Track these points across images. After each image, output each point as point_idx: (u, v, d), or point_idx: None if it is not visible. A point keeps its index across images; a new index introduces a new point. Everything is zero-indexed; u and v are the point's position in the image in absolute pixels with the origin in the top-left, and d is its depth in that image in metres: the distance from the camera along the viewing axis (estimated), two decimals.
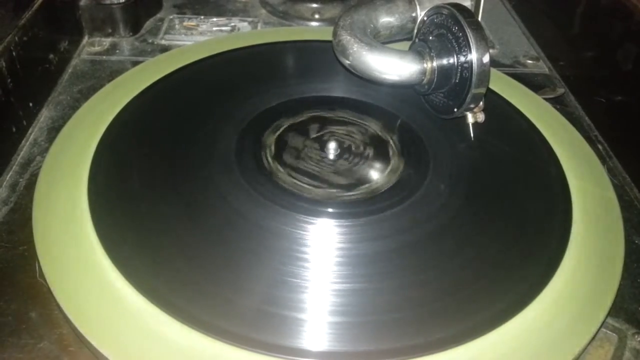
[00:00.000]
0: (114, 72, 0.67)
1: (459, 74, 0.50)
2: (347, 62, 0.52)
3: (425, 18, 0.54)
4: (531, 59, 0.74)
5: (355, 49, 0.51)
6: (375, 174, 0.51)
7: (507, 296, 0.41)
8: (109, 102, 0.56)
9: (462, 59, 0.49)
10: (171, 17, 0.79)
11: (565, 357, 0.38)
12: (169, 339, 0.37)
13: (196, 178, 0.49)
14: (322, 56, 0.61)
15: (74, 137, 0.52)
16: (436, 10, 0.53)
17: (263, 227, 0.45)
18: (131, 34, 0.74)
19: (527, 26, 0.82)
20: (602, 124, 0.63)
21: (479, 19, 0.56)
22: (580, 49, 0.71)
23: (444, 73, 0.51)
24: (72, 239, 0.43)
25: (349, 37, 0.52)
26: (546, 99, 0.64)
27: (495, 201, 0.49)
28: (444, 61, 0.51)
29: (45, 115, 0.60)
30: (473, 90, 0.49)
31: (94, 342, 0.37)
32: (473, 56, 0.48)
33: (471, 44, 0.48)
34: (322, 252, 0.44)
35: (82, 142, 0.51)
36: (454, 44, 0.49)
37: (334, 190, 0.49)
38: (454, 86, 0.51)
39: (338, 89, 0.61)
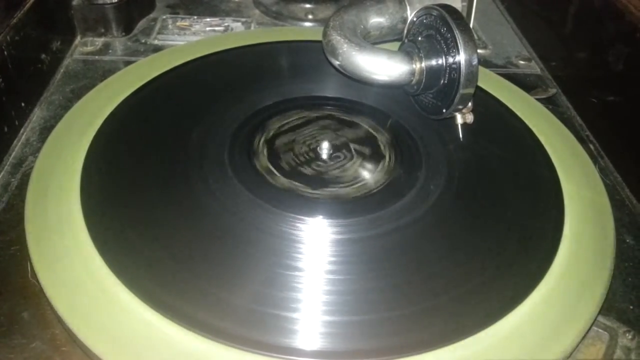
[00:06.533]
0: (107, 72, 0.67)
1: (447, 75, 0.50)
2: (337, 62, 0.52)
3: (415, 19, 0.54)
4: (523, 59, 0.74)
5: (344, 49, 0.51)
6: (368, 174, 0.51)
7: (499, 295, 0.41)
8: (101, 101, 0.56)
9: (451, 60, 0.49)
10: (164, 17, 0.79)
11: (557, 355, 0.38)
12: (162, 338, 0.37)
13: (188, 177, 0.49)
14: (316, 56, 0.61)
15: (66, 137, 0.52)
16: (426, 11, 0.53)
17: (256, 227, 0.45)
18: (124, 33, 0.74)
19: (519, 27, 0.82)
20: (593, 124, 0.64)
21: (472, 19, 0.57)
22: (572, 50, 0.71)
23: (433, 74, 0.51)
24: (64, 239, 0.43)
25: (338, 38, 0.52)
26: (538, 99, 0.64)
27: (487, 201, 0.49)
28: (433, 62, 0.51)
29: (37, 115, 0.60)
30: (461, 91, 0.49)
31: (86, 342, 0.37)
32: (461, 57, 0.48)
33: (459, 45, 0.48)
34: (315, 251, 0.44)
35: (74, 142, 0.51)
36: (443, 45, 0.50)
37: (327, 190, 0.49)
38: (443, 87, 0.51)
39: (331, 89, 0.61)
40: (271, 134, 0.54)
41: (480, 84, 0.53)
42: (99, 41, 0.73)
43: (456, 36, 0.48)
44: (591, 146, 0.61)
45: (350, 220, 0.46)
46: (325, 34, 0.53)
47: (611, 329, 0.43)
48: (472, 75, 0.49)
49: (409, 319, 0.39)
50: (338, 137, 0.54)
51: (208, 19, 0.78)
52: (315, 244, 0.44)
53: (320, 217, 0.46)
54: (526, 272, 0.43)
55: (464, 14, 0.52)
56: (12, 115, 0.57)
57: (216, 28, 0.77)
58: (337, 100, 0.59)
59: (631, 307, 0.45)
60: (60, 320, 0.39)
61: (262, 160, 0.51)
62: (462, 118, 0.53)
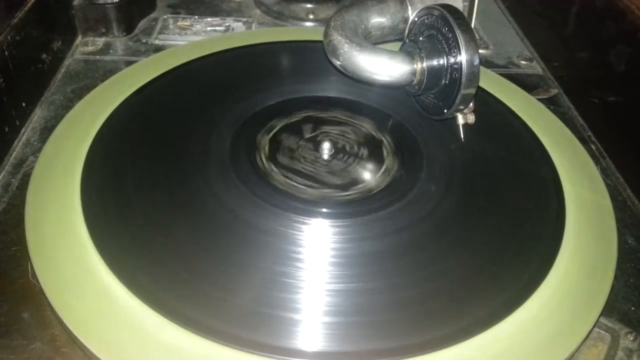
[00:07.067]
0: (108, 72, 0.67)
1: (448, 75, 0.50)
2: (338, 62, 0.52)
3: (416, 19, 0.54)
4: (525, 59, 0.74)
5: (345, 49, 0.51)
6: (369, 174, 0.51)
7: (500, 296, 0.41)
8: (102, 102, 0.56)
9: (452, 60, 0.49)
10: (165, 16, 0.79)
11: (559, 356, 0.38)
12: (162, 339, 0.37)
13: (190, 178, 0.49)
14: (316, 56, 0.61)
15: (67, 137, 0.52)
16: (427, 11, 0.53)
17: (257, 227, 0.45)
18: (125, 33, 0.74)
19: (521, 27, 0.82)
20: (595, 124, 0.63)
21: (473, 19, 0.57)
22: (574, 50, 0.71)
23: (434, 74, 0.51)
24: (64, 240, 0.43)
25: (339, 38, 0.52)
26: (540, 100, 0.64)
27: (488, 202, 0.49)
28: (434, 62, 0.51)
29: (38, 115, 0.60)
30: (462, 91, 0.49)
31: (86, 343, 0.37)
32: (462, 57, 0.48)
33: (461, 45, 0.48)
34: (316, 252, 0.44)
35: (75, 142, 0.51)
36: (444, 45, 0.50)
37: (328, 191, 0.49)
38: (444, 87, 0.51)
39: (332, 89, 0.61)
40: (272, 134, 0.54)
41: (482, 84, 0.53)
42: (100, 41, 0.73)
43: (457, 36, 0.48)
44: (593, 146, 0.61)
45: (351, 221, 0.46)
46: (326, 34, 0.53)
47: (613, 330, 0.43)
48: (474, 76, 0.48)
49: (409, 321, 0.39)
50: (339, 138, 0.54)
51: (209, 19, 0.78)
52: (317, 244, 0.44)
53: (322, 217, 0.46)
54: (527, 273, 0.43)
55: (465, 14, 0.52)
56: (12, 115, 0.57)
57: (217, 28, 0.77)
58: (338, 100, 0.59)
59: (633, 308, 0.45)
60: (60, 321, 0.39)
61: (264, 161, 0.51)
62: (463, 118, 0.53)
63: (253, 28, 0.78)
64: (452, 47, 0.49)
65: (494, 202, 0.49)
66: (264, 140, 0.53)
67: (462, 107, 0.51)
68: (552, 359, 0.38)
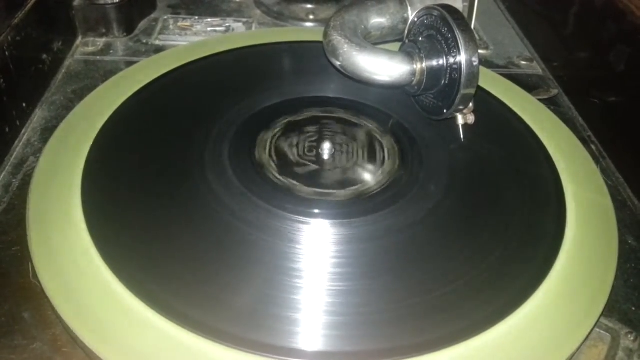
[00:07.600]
0: (108, 72, 0.67)
1: (448, 75, 0.50)
2: (338, 62, 0.52)
3: (415, 19, 0.54)
4: (525, 59, 0.74)
5: (345, 50, 0.51)
6: (369, 174, 0.51)
7: (501, 296, 0.41)
8: (103, 102, 0.56)
9: (452, 60, 0.49)
10: (165, 17, 0.79)
11: (560, 356, 0.38)
12: (164, 339, 0.37)
13: (190, 178, 0.49)
14: (317, 57, 0.61)
15: (68, 138, 0.52)
16: (427, 11, 0.53)
17: (257, 227, 0.45)
18: (125, 34, 0.74)
19: (521, 27, 0.82)
20: (595, 125, 0.63)
21: (473, 20, 0.57)
22: (574, 50, 0.71)
23: (434, 74, 0.51)
24: (65, 240, 0.43)
25: (339, 38, 0.52)
26: (540, 100, 0.64)
27: (488, 202, 0.49)
28: (434, 62, 0.51)
29: (38, 116, 0.60)
30: (462, 91, 0.49)
31: (87, 343, 0.37)
32: (462, 57, 0.48)
33: (460, 45, 0.48)
34: (316, 252, 0.44)
35: (76, 142, 0.51)
36: (444, 45, 0.50)
37: (328, 191, 0.49)
38: (444, 87, 0.51)
39: (332, 90, 0.61)
40: (272, 134, 0.54)
41: (482, 84, 0.53)
42: (100, 41, 0.73)
43: (457, 36, 0.48)
44: (593, 147, 0.61)
45: (351, 221, 0.46)
46: (326, 35, 0.53)
47: (613, 330, 0.43)
48: (473, 76, 0.48)
49: (409, 321, 0.39)
50: (339, 138, 0.54)
51: (209, 19, 0.78)
52: (316, 244, 0.44)
53: (321, 217, 0.46)
54: (528, 273, 0.43)
55: (465, 14, 0.52)
56: (13, 116, 0.57)
57: (217, 28, 0.77)
58: (337, 100, 0.59)
59: (633, 308, 0.45)
60: (61, 321, 0.39)
61: (264, 161, 0.51)
62: (463, 119, 0.53)
63: (253, 29, 0.78)
64: (451, 48, 0.49)
65: (494, 202, 0.49)
66: (264, 141, 0.53)
67: (461, 107, 0.51)
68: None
